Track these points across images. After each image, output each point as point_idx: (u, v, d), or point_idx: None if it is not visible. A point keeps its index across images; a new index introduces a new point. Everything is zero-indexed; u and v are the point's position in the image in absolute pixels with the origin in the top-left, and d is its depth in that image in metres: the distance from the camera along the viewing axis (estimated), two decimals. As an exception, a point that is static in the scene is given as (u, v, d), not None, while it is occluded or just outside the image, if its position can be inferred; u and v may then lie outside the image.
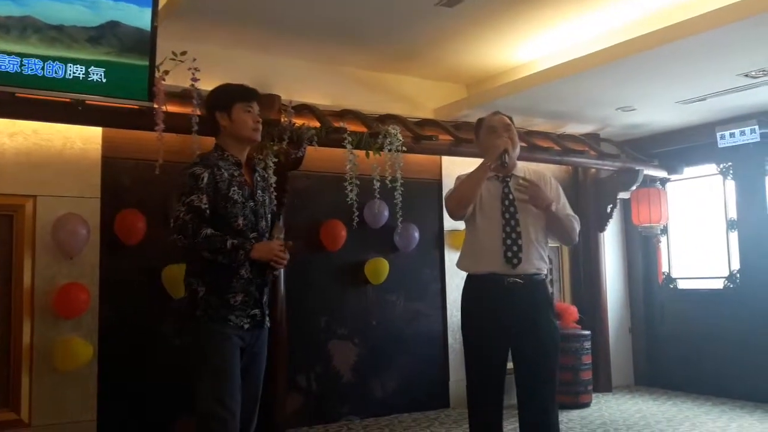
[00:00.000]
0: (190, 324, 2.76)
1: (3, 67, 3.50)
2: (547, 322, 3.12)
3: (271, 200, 3.06)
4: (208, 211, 2.70)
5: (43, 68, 3.61)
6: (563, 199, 3.29)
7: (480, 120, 3.39)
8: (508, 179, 3.21)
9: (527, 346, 3.08)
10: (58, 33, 3.64)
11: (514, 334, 3.07)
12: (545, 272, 3.20)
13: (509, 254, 3.08)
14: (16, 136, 4.20)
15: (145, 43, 3.87)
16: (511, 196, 3.17)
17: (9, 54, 3.51)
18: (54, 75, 3.64)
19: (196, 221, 2.66)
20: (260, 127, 2.93)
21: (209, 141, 3.98)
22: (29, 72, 3.57)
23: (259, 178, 2.98)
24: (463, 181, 3.21)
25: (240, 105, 2.87)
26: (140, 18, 3.85)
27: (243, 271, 2.76)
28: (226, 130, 2.88)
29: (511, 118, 3.33)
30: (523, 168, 3.28)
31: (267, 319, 2.89)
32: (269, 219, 2.97)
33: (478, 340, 3.19)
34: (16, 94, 3.71)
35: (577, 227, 3.26)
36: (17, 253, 4.20)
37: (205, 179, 2.72)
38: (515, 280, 3.07)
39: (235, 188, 2.78)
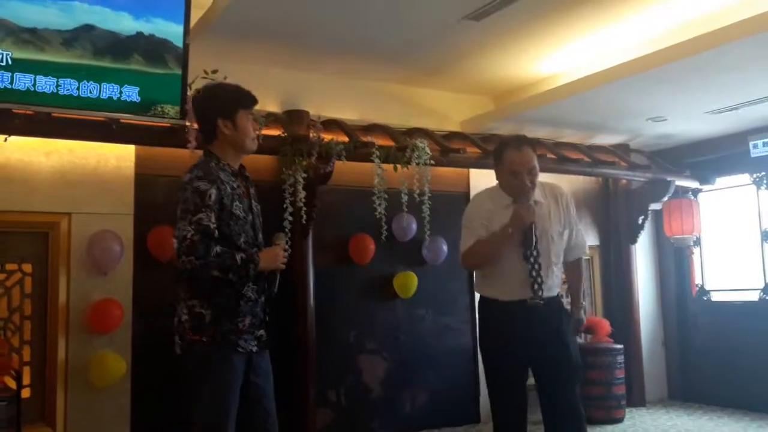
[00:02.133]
0: (192, 350, 2.60)
1: (40, 87, 3.59)
2: (565, 338, 3.16)
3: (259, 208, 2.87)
4: (216, 231, 2.54)
5: (78, 88, 3.69)
6: (574, 220, 3.28)
7: (502, 146, 3.23)
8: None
9: (547, 363, 3.12)
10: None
11: (534, 352, 3.09)
12: (560, 290, 3.27)
13: (535, 285, 3.09)
14: (52, 155, 4.29)
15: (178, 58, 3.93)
16: (531, 224, 3.14)
17: (46, 75, 3.59)
18: (89, 95, 3.72)
19: (206, 241, 2.49)
20: (259, 135, 2.79)
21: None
22: (65, 92, 3.66)
23: (251, 187, 2.81)
24: (483, 244, 3.14)
25: (244, 112, 2.70)
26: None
27: (249, 293, 2.62)
28: (227, 138, 2.68)
29: (534, 148, 3.21)
30: (540, 191, 3.22)
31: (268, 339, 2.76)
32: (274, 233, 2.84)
33: (499, 359, 3.19)
34: (53, 114, 3.80)
35: (584, 248, 3.34)
36: (52, 269, 4.28)
37: (213, 196, 2.54)
38: (537, 302, 3.09)
39: (237, 203, 2.63)
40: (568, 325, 3.24)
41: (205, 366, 2.58)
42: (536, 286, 3.09)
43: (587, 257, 3.37)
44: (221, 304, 2.58)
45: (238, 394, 2.60)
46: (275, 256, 2.65)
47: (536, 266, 3.09)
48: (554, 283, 3.18)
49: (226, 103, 2.71)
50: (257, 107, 2.87)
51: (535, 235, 3.07)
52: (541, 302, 3.09)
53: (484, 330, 3.29)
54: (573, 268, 3.37)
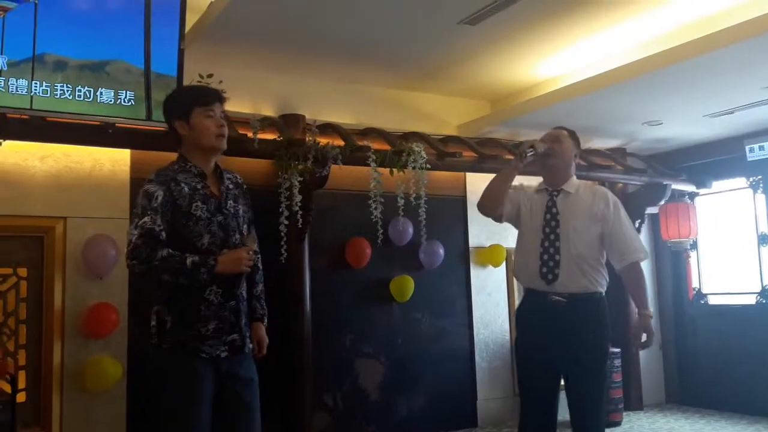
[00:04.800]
0: (156, 356, 2.52)
1: (35, 91, 3.59)
2: (591, 344, 3.04)
3: (247, 209, 2.75)
4: (163, 234, 2.44)
5: (73, 93, 3.69)
6: (612, 220, 3.13)
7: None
8: (556, 193, 3.20)
9: (570, 367, 3.05)
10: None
11: (558, 353, 3.05)
12: (596, 290, 3.09)
13: (544, 270, 3.07)
14: (47, 159, 4.29)
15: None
16: (554, 210, 3.15)
17: (40, 80, 3.59)
18: (84, 99, 3.72)
19: (151, 244, 2.39)
20: (225, 132, 2.62)
21: (237, 162, 4.05)
22: (60, 96, 3.66)
23: (230, 186, 2.68)
24: (493, 178, 3.25)
25: (199, 110, 2.57)
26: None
27: (212, 296, 2.51)
28: (186, 139, 2.59)
29: (573, 133, 3.29)
30: (578, 183, 3.24)
31: (248, 342, 2.64)
32: (245, 230, 2.68)
33: (525, 355, 3.20)
34: (47, 119, 3.80)
35: (636, 253, 3.16)
36: (48, 273, 4.27)
37: (160, 198, 2.46)
38: (558, 299, 3.04)
39: (198, 203, 2.52)
40: (601, 336, 3.10)
41: (167, 374, 2.51)
42: (545, 270, 3.07)
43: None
44: (181, 309, 2.50)
45: (206, 402, 2.49)
46: (238, 259, 2.50)
47: (551, 250, 3.07)
48: (575, 275, 3.05)
49: (180, 103, 2.65)
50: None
51: (526, 152, 3.11)
52: (563, 300, 3.04)
53: (516, 324, 3.34)
54: (625, 274, 3.18)
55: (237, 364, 2.57)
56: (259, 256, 2.73)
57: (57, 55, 3.62)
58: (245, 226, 2.69)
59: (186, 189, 2.52)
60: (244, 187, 2.78)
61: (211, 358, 2.50)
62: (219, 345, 2.52)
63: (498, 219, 3.31)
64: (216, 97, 2.64)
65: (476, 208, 3.36)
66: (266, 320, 2.80)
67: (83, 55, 3.69)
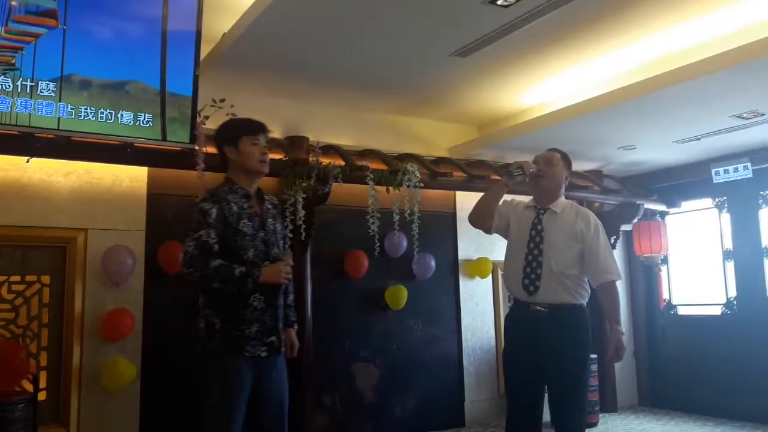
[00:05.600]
0: (205, 354, 2.67)
1: (61, 114, 3.59)
2: (570, 352, 3.02)
3: (284, 227, 2.91)
4: (216, 246, 2.59)
5: (96, 114, 3.70)
6: (591, 240, 3.11)
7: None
8: (543, 212, 3.20)
9: (551, 373, 3.04)
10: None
11: (540, 359, 3.04)
12: (576, 302, 3.08)
13: (526, 281, 3.07)
14: (71, 175, 4.29)
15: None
16: (539, 227, 3.15)
17: (66, 102, 3.60)
18: (106, 121, 3.73)
19: (205, 255, 2.56)
20: (267, 159, 2.78)
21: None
22: (84, 118, 3.66)
23: (269, 206, 2.84)
24: (483, 194, 3.29)
25: (246, 138, 2.75)
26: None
27: (255, 302, 2.65)
28: (234, 163, 2.75)
29: (565, 156, 3.30)
30: (565, 204, 3.23)
31: (283, 344, 2.79)
32: (282, 245, 2.84)
33: (510, 359, 3.20)
34: (72, 138, 3.80)
35: (608, 274, 3.12)
36: (69, 281, 4.26)
37: (213, 214, 2.62)
38: (539, 309, 3.04)
39: (245, 220, 2.67)
40: (580, 345, 3.07)
41: (215, 367, 2.63)
42: (527, 281, 3.07)
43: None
44: (228, 312, 2.63)
45: (244, 397, 2.62)
46: (277, 271, 2.66)
47: (533, 264, 3.08)
48: (555, 289, 3.04)
49: (230, 131, 2.81)
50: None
51: (514, 173, 3.16)
52: (543, 310, 3.03)
53: (504, 330, 3.33)
54: (602, 292, 3.16)
55: (272, 363, 2.72)
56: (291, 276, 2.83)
57: (82, 76, 3.64)
58: (281, 241, 2.85)
59: (235, 208, 2.67)
60: (279, 208, 2.95)
61: (253, 357, 2.64)
62: (260, 345, 2.66)
63: (487, 231, 3.32)
64: (262, 129, 2.81)
65: (466, 223, 3.40)
66: (296, 326, 2.98)
67: (106, 75, 3.72)
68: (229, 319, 2.63)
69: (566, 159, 3.30)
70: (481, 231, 3.36)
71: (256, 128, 2.80)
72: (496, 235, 3.39)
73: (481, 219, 3.28)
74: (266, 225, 2.77)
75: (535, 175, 3.17)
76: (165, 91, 3.87)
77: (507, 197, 3.35)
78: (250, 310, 2.65)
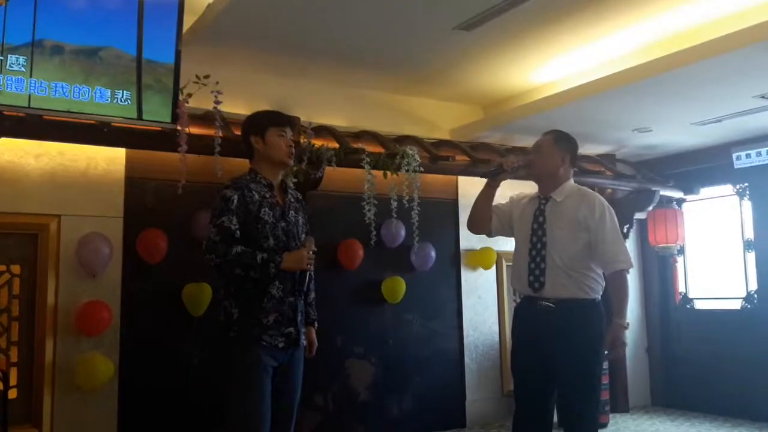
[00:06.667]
0: (224, 344, 2.81)
1: (32, 90, 3.56)
2: (581, 349, 3.03)
3: (306, 221, 3.10)
4: (238, 232, 2.76)
5: (70, 92, 3.66)
6: (596, 228, 3.09)
7: None
8: (545, 201, 3.19)
9: (560, 372, 3.04)
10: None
11: (548, 357, 3.05)
12: (587, 296, 3.07)
13: (531, 278, 3.08)
14: (42, 157, 4.26)
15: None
16: (541, 218, 3.15)
17: (38, 78, 3.56)
18: (81, 98, 3.69)
19: (227, 241, 2.72)
20: (293, 151, 2.99)
21: (231, 162, 4.05)
22: (57, 96, 3.63)
23: (292, 199, 3.03)
24: (475, 199, 3.33)
25: (274, 129, 2.94)
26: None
27: (274, 291, 2.81)
28: (259, 153, 2.95)
29: (560, 137, 3.28)
30: (569, 190, 3.21)
31: (303, 337, 2.95)
32: (303, 238, 3.00)
33: (518, 356, 3.21)
34: (44, 117, 3.76)
35: (616, 262, 3.11)
36: (41, 271, 4.24)
37: (235, 201, 2.79)
38: (547, 304, 3.05)
39: (266, 209, 2.85)
40: (589, 341, 3.07)
41: (235, 355, 2.78)
42: (532, 278, 3.08)
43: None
44: (247, 301, 2.79)
45: (267, 380, 2.76)
46: (300, 258, 2.83)
47: (537, 259, 3.08)
48: (562, 283, 3.05)
49: (258, 121, 3.00)
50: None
51: (494, 171, 3.23)
52: (552, 306, 3.04)
53: (512, 326, 3.36)
54: (609, 282, 3.15)
55: (290, 356, 2.86)
56: (313, 263, 2.97)
57: (54, 41, 3.62)
58: (303, 235, 3.01)
59: (256, 196, 2.85)
60: (303, 202, 3.14)
61: (270, 346, 2.79)
62: (278, 336, 2.81)
63: (488, 234, 3.41)
64: (289, 121, 3.03)
65: (469, 210, 3.41)
66: (317, 324, 3.17)
67: (78, 41, 3.69)
68: (247, 308, 2.78)
69: (562, 140, 3.27)
70: None
71: (284, 120, 3.00)
72: (501, 225, 3.42)
73: (477, 225, 3.38)
74: (288, 216, 2.94)
75: (518, 169, 3.19)
76: (141, 58, 3.83)
77: (513, 193, 3.39)
78: (268, 298, 2.79)
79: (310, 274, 3.01)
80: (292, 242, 2.91)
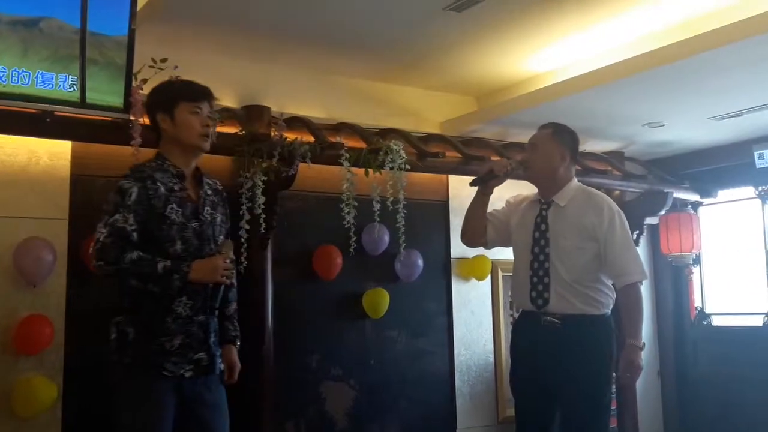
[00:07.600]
0: (116, 373, 2.59)
1: (-37, 74, 3.52)
2: (588, 369, 3.05)
3: (226, 219, 2.84)
4: (135, 234, 2.53)
5: (8, 76, 3.62)
6: (606, 237, 3.11)
7: None
8: (546, 206, 3.19)
9: (564, 393, 3.05)
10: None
11: (551, 377, 3.05)
12: (596, 312, 3.09)
13: (534, 294, 3.09)
14: (-25, 151, 4.21)
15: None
16: (543, 226, 3.15)
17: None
18: (20, 83, 3.65)
19: (120, 244, 2.49)
20: (209, 132, 2.74)
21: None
22: (-8, 80, 3.59)
23: (209, 192, 2.79)
24: (467, 208, 3.32)
25: (185, 105, 2.70)
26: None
27: (180, 308, 2.58)
28: (167, 134, 2.72)
29: (559, 130, 3.32)
30: (573, 192, 3.23)
31: (219, 360, 2.69)
32: (220, 241, 2.77)
33: (515, 381, 3.22)
34: (-24, 105, 3.73)
35: (628, 275, 3.14)
36: (-26, 280, 4.20)
37: (134, 195, 2.56)
38: (552, 320, 3.05)
39: (174, 206, 2.62)
40: (598, 360, 3.10)
41: (125, 393, 2.56)
42: (534, 294, 3.08)
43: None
44: (145, 320, 2.57)
45: (166, 427, 2.52)
46: (213, 267, 2.59)
47: (540, 272, 3.08)
48: (569, 298, 3.06)
49: (165, 95, 2.75)
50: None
51: (484, 178, 3.25)
52: (557, 322, 3.04)
53: (510, 343, 3.40)
54: (621, 296, 3.18)
55: (203, 386, 2.62)
56: (235, 270, 2.77)
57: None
58: (221, 237, 2.75)
59: (162, 189, 2.61)
60: (224, 195, 2.88)
61: (174, 377, 2.53)
62: (183, 363, 2.57)
63: (485, 246, 3.42)
64: (205, 94, 2.75)
65: (461, 214, 3.43)
66: (239, 343, 2.88)
67: (17, 11, 3.61)
68: (146, 328, 2.55)
69: (561, 133, 3.30)
70: None
71: (197, 93, 2.75)
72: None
73: (471, 238, 3.42)
74: (202, 214, 2.70)
75: (511, 172, 3.20)
76: (86, 29, 3.75)
77: (510, 197, 3.39)
78: (172, 318, 2.57)
79: (231, 285, 2.78)
80: (205, 247, 2.67)
